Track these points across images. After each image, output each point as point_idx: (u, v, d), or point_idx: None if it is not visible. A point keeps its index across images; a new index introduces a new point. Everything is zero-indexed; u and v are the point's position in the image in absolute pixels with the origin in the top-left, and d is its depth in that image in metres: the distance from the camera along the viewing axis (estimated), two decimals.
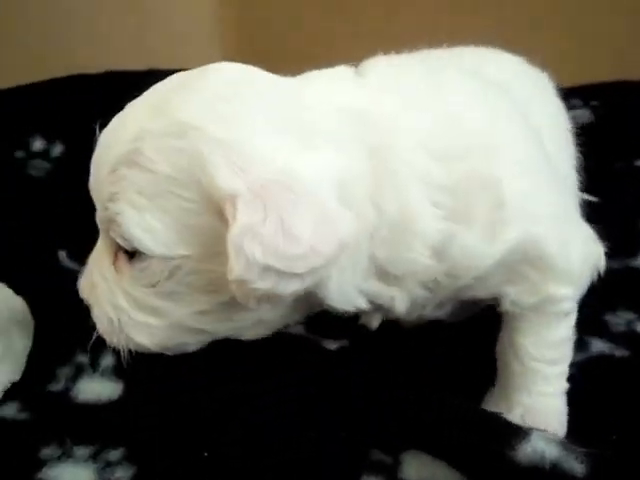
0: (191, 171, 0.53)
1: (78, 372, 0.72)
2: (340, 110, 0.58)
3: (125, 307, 0.60)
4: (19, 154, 1.09)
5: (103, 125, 0.58)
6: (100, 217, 0.58)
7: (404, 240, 0.59)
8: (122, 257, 0.58)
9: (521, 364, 0.68)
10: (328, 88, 0.60)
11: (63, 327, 0.74)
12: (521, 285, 0.65)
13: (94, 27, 1.51)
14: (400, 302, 0.62)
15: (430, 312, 0.67)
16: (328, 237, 0.52)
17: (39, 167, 1.10)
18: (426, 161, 0.59)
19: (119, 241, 0.56)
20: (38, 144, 1.11)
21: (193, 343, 0.61)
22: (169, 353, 0.61)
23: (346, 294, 0.59)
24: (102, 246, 0.61)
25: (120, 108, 0.60)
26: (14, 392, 0.69)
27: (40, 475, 0.58)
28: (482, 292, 0.66)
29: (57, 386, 0.70)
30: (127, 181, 0.54)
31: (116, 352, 0.61)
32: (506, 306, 0.66)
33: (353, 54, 0.98)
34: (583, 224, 0.70)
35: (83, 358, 0.72)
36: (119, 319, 0.60)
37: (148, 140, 0.54)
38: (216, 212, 0.52)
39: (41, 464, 0.60)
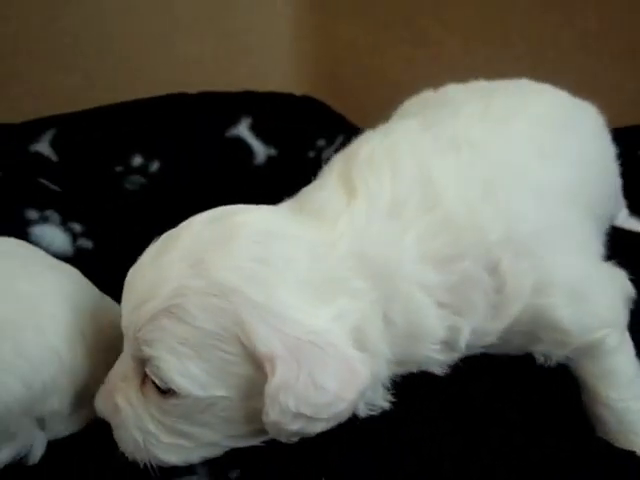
0: (232, 329, 0.58)
1: None
2: (350, 254, 0.63)
3: (154, 432, 0.62)
4: (118, 169, 1.12)
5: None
6: (132, 354, 0.62)
7: (416, 344, 0.65)
8: (152, 387, 0.62)
9: (610, 411, 0.70)
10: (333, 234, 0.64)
11: None
12: (544, 346, 0.69)
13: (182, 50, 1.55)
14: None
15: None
16: (350, 386, 0.58)
17: (136, 182, 1.13)
18: (425, 270, 0.64)
19: (155, 380, 0.60)
20: (137, 160, 1.14)
21: (217, 452, 0.65)
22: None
23: (369, 408, 0.66)
24: (127, 369, 0.63)
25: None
26: None
27: None
28: (510, 351, 0.71)
29: None
30: (167, 331, 0.59)
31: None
32: (540, 360, 0.70)
33: (432, 81, 0.99)
34: (603, 268, 0.72)
35: None
36: (145, 441, 0.62)
37: (190, 297, 0.58)
38: (255, 365, 0.58)
39: None
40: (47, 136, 1.12)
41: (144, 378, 0.62)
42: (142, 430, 0.62)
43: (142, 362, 0.61)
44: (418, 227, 0.64)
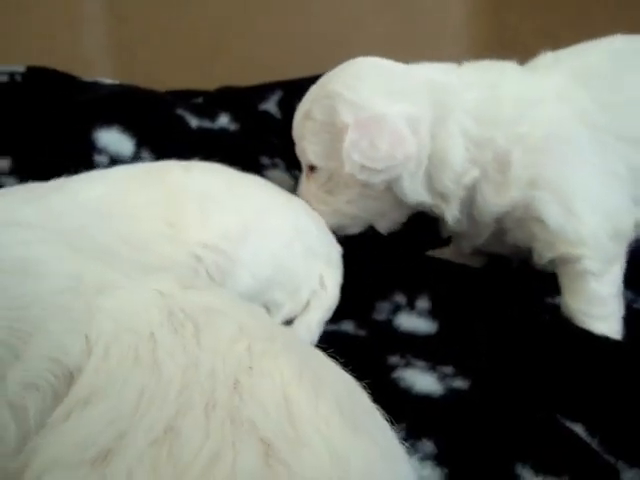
0: (332, 117, 0.92)
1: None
2: (427, 81, 0.93)
3: (311, 202, 0.97)
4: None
5: None
6: (297, 150, 0.99)
7: (442, 166, 0.91)
8: (309, 173, 0.98)
9: (574, 320, 0.86)
10: (430, 70, 0.96)
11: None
12: (538, 242, 0.88)
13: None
14: (447, 213, 0.93)
15: (472, 240, 0.97)
16: (399, 149, 0.88)
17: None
18: (469, 121, 0.90)
19: (304, 162, 0.98)
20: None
21: (350, 225, 0.98)
22: (339, 233, 0.96)
23: (413, 191, 0.92)
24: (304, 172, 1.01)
25: None
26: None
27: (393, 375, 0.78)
28: (516, 239, 0.91)
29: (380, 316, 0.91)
30: (306, 128, 0.95)
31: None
32: (535, 259, 0.90)
33: None
34: (610, 196, 0.87)
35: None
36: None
37: (315, 102, 0.95)
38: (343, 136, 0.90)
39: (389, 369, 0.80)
40: (275, 97, 1.35)
41: (307, 171, 0.99)
42: (307, 201, 0.97)
43: (301, 157, 0.99)
44: (479, 93, 0.91)
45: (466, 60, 0.98)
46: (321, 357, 0.56)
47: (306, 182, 0.99)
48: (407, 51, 0.96)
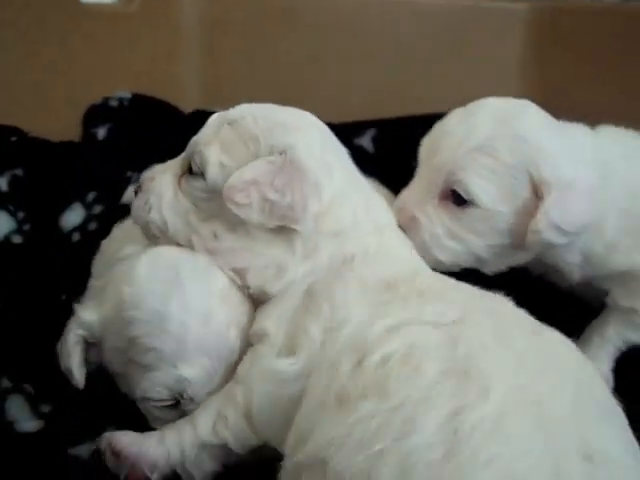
0: (524, 163, 0.90)
1: None
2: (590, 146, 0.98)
3: (440, 235, 0.93)
4: None
5: None
6: (434, 175, 0.94)
7: (599, 224, 0.96)
8: (449, 202, 0.93)
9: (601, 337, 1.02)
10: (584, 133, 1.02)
11: None
12: (626, 290, 1.00)
13: None
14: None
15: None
16: (582, 218, 0.91)
17: None
18: (625, 197, 0.97)
19: (461, 193, 0.92)
20: None
21: (463, 263, 0.95)
22: (445, 269, 0.92)
23: (569, 253, 0.97)
24: (422, 190, 0.95)
25: None
26: None
27: None
28: (605, 283, 1.01)
29: None
30: (478, 162, 0.91)
31: None
32: (608, 300, 1.02)
33: None
34: None
35: None
36: (431, 242, 0.92)
37: (501, 141, 0.92)
38: (533, 191, 0.91)
39: None
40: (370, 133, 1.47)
41: (441, 197, 0.94)
42: (431, 234, 0.92)
43: (447, 184, 0.92)
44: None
45: None
46: None
47: (434, 210, 0.94)
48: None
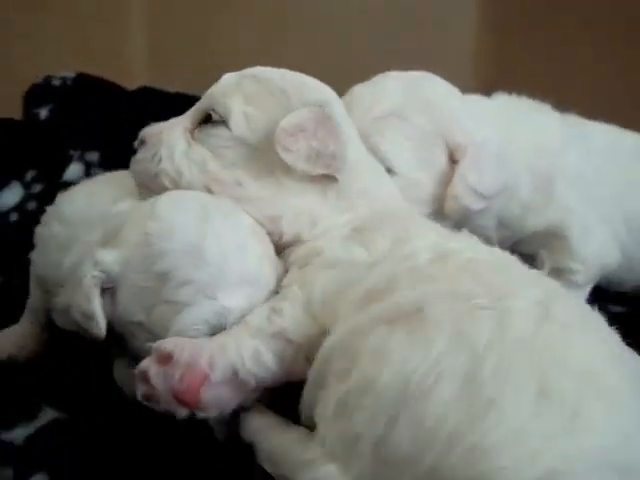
0: (437, 128, 0.92)
1: None
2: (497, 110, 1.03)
3: None
4: None
5: None
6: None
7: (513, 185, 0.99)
8: None
9: None
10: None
11: None
12: (548, 251, 1.02)
13: None
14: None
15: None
16: (498, 179, 0.92)
17: None
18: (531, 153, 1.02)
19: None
20: None
21: None
22: None
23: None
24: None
25: None
26: None
27: None
28: (529, 247, 1.02)
29: None
30: (393, 126, 0.92)
31: None
32: (539, 265, 1.02)
33: None
34: (603, 235, 1.04)
35: None
36: None
37: (412, 105, 0.93)
38: (449, 154, 0.93)
39: None
40: None
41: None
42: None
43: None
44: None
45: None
46: None
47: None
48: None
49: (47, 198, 1.09)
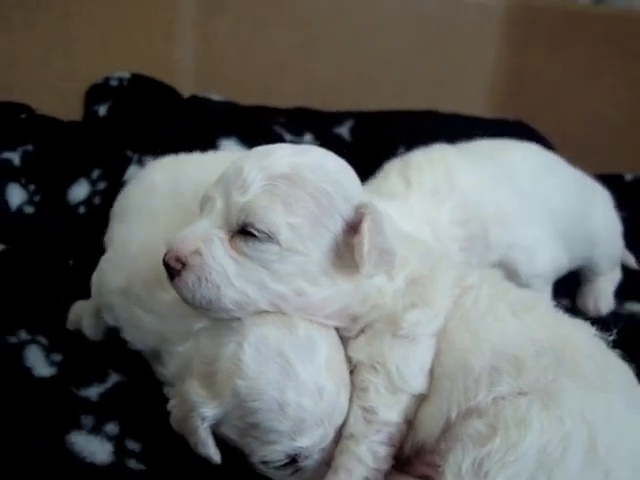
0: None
1: None
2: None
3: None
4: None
5: None
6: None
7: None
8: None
9: None
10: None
11: None
12: (509, 275, 1.10)
13: None
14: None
15: None
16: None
17: None
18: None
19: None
20: None
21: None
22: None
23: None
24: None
25: None
26: None
27: None
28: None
29: None
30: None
31: None
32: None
33: None
34: (551, 249, 1.20)
35: None
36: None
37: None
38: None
39: None
40: (348, 124, 1.63)
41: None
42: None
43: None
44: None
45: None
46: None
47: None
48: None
49: (110, 195, 1.27)
